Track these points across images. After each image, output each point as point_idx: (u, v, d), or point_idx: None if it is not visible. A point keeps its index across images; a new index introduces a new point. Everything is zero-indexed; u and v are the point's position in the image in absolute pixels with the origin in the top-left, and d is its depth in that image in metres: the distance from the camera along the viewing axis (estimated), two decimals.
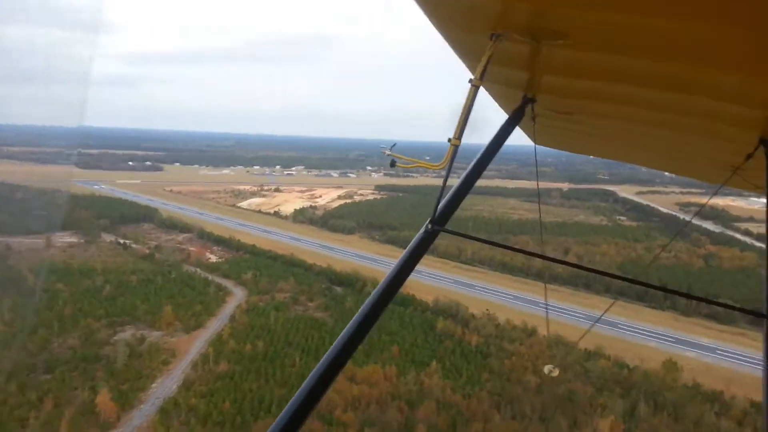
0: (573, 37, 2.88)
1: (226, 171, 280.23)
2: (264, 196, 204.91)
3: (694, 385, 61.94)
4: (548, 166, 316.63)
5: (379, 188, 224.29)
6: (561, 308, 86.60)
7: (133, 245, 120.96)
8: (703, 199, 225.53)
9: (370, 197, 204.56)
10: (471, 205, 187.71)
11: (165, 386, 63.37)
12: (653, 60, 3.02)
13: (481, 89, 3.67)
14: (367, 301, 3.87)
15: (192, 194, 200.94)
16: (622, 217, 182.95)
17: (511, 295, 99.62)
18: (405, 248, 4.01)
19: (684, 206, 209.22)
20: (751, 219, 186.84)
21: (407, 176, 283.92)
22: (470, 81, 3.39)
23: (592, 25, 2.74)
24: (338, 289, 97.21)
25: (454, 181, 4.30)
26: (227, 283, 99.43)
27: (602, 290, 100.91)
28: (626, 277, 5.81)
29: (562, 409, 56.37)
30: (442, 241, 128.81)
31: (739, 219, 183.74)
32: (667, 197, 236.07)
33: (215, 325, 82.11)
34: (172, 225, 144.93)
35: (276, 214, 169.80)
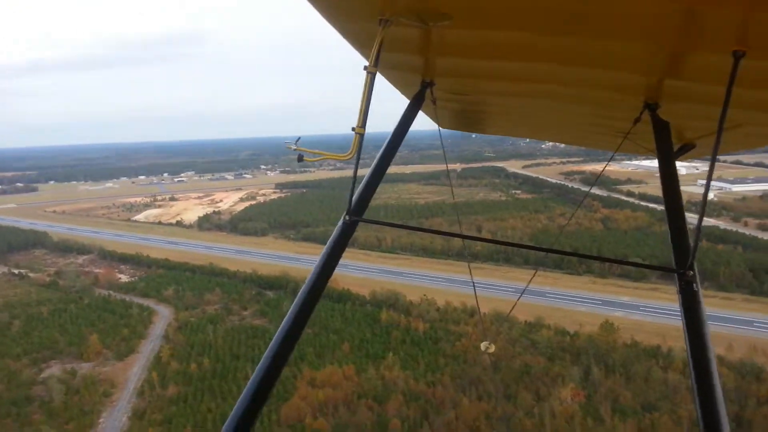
0: (458, 16, 2.95)
1: (109, 184, 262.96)
2: (160, 206, 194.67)
3: (633, 343, 66.75)
4: (438, 149, 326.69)
5: (280, 186, 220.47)
6: (489, 284, 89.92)
7: (30, 274, 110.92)
8: (582, 167, 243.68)
9: (274, 196, 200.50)
10: (376, 194, 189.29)
11: (114, 419, 59.11)
12: (537, 33, 3.12)
13: (380, 76, 3.78)
14: (297, 299, 3.84)
15: (79, 212, 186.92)
16: (517, 191, 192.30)
17: (440, 278, 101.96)
18: (321, 244, 4.12)
19: (567, 175, 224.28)
20: (629, 181, 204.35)
21: (305, 171, 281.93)
22: (365, 68, 3.40)
23: (474, 3, 2.82)
24: (269, 293, 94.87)
25: (364, 171, 4.33)
26: (148, 303, 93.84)
27: (522, 262, 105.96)
28: (561, 250, 5.92)
29: (523, 384, 58.81)
30: (361, 233, 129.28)
31: (619, 182, 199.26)
32: (551, 168, 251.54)
33: (148, 347, 77.41)
34: (67, 247, 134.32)
35: (179, 223, 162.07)
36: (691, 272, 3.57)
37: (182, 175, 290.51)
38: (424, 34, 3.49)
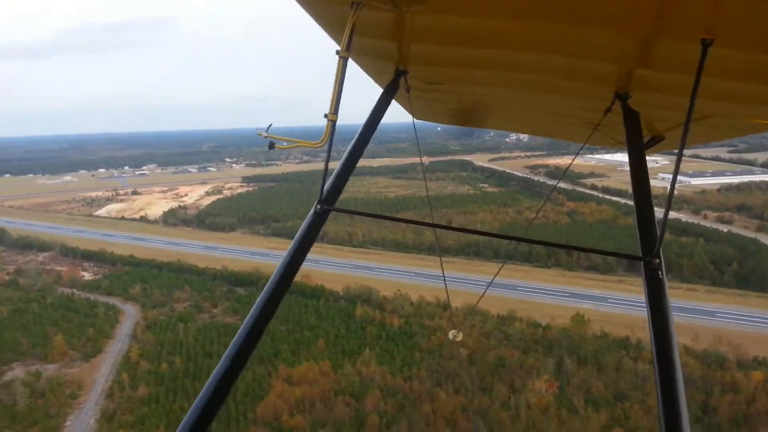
0: (430, 1, 2.94)
1: (67, 178, 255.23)
2: (122, 200, 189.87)
3: (602, 335, 68.18)
4: (403, 142, 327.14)
5: (247, 180, 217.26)
6: (460, 278, 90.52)
7: None
8: (546, 161, 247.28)
9: (240, 190, 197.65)
10: (345, 187, 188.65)
11: (81, 422, 57.63)
12: (509, 20, 3.16)
13: (354, 64, 3.76)
14: (265, 289, 3.79)
15: (37, 207, 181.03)
16: (484, 185, 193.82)
17: (412, 272, 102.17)
18: (290, 239, 4.17)
19: (532, 168, 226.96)
20: (592, 174, 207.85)
21: (272, 164, 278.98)
22: (337, 52, 3.36)
23: None
24: (240, 290, 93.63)
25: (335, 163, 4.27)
26: (114, 301, 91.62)
27: (492, 256, 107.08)
28: (530, 239, 6.27)
29: (498, 376, 59.46)
30: (332, 227, 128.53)
31: (582, 175, 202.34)
32: (515, 161, 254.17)
33: (115, 347, 75.64)
34: (27, 244, 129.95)
35: (143, 219, 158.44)
36: (657, 260, 3.57)
37: (144, 168, 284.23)
38: (397, 18, 3.47)
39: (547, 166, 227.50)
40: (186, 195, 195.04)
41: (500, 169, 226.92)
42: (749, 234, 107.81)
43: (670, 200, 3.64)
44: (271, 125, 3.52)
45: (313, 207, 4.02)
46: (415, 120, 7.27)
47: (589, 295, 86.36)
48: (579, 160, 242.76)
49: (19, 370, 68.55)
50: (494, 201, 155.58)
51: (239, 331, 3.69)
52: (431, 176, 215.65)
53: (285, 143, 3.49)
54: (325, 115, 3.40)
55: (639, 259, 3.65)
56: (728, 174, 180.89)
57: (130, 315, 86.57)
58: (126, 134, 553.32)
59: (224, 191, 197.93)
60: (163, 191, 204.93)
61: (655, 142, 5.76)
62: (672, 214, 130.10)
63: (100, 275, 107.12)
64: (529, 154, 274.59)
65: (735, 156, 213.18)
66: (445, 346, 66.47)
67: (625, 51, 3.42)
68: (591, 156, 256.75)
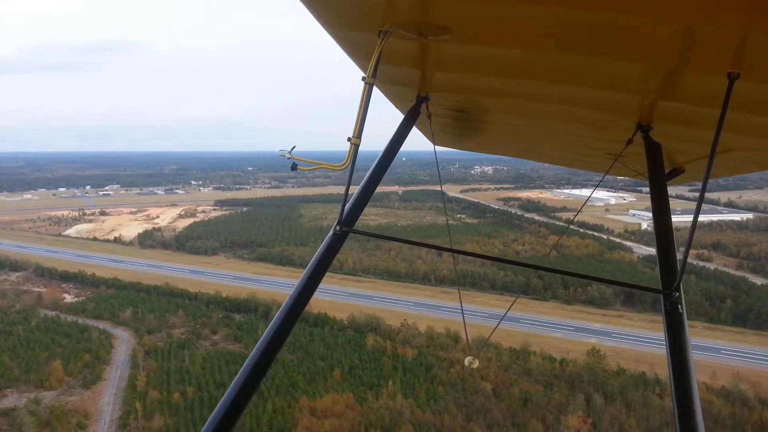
0: (457, 31, 2.98)
1: (27, 196, 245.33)
2: (91, 221, 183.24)
3: (619, 370, 68.26)
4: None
5: (220, 203, 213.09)
6: (458, 309, 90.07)
7: None
8: (516, 194, 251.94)
9: (215, 214, 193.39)
10: (324, 214, 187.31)
11: None
12: (534, 51, 3.18)
13: (376, 90, 3.84)
14: (282, 308, 3.87)
15: (0, 225, 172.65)
16: (462, 215, 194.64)
17: (408, 301, 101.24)
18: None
19: (505, 201, 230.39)
20: (564, 209, 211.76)
21: (241, 189, 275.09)
22: (363, 79, 3.44)
23: (474, 18, 2.87)
24: (237, 316, 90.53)
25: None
26: (102, 325, 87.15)
27: (488, 287, 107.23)
28: (555, 268, 6.46)
29: (529, 412, 58.62)
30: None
31: (555, 209, 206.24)
32: (486, 193, 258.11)
33: (115, 374, 71.66)
34: None
35: (117, 240, 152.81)
36: (677, 293, 3.57)
37: (107, 188, 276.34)
38: (422, 47, 3.53)
39: (518, 198, 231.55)
40: (158, 217, 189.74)
41: (474, 200, 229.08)
42: (735, 272, 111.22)
43: (692, 235, 3.56)
44: (294, 147, 3.48)
45: (332, 229, 4.05)
46: (435, 147, 7.28)
47: (593, 330, 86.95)
48: (549, 195, 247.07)
49: (13, 397, 64.06)
50: (478, 232, 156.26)
51: (254, 350, 3.71)
52: (407, 205, 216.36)
53: (308, 165, 3.51)
54: (349, 139, 3.44)
55: (659, 292, 3.63)
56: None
57: (123, 340, 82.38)
58: (84, 154, 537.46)
59: (198, 214, 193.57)
60: (132, 212, 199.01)
61: (676, 174, 5.75)
62: (653, 252, 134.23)
63: (83, 297, 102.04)
64: (498, 186, 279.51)
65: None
66: (467, 380, 65.49)
67: (649, 83, 3.42)
68: (560, 191, 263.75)
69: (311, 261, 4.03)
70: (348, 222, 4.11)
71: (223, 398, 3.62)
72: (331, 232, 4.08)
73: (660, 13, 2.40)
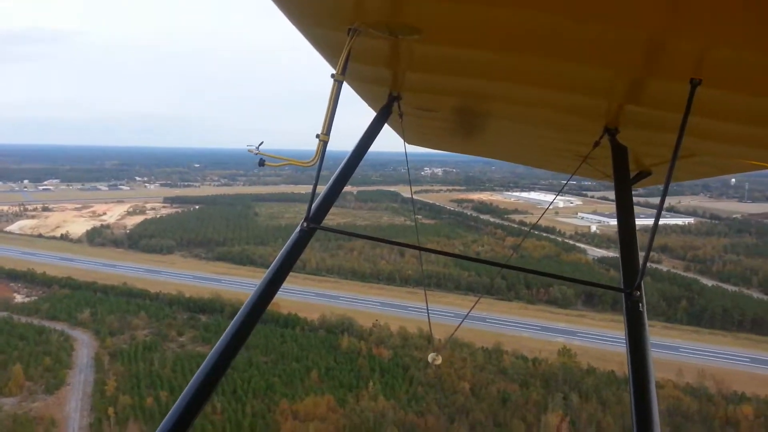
0: (426, 31, 3.04)
1: None
2: (33, 216, 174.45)
3: (590, 369, 70.19)
4: (324, 170, 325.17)
5: (170, 200, 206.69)
6: (424, 309, 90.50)
7: None
8: (468, 195, 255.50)
9: (165, 211, 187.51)
10: (281, 213, 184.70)
11: None
12: (504, 53, 3.25)
13: (348, 88, 4.05)
14: (247, 303, 3.94)
15: None
16: (418, 216, 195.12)
17: (377, 301, 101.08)
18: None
19: (459, 202, 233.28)
20: (516, 211, 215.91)
21: (189, 186, 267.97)
22: (332, 76, 3.52)
23: (443, 19, 2.93)
24: (202, 317, 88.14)
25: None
26: (60, 327, 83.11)
27: (453, 287, 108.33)
28: (521, 267, 6.92)
29: (510, 412, 59.49)
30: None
31: (507, 211, 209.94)
32: (439, 195, 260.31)
33: (78, 378, 68.52)
34: None
35: (64, 237, 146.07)
36: (638, 292, 3.74)
37: (46, 182, 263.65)
38: (392, 46, 3.55)
39: (471, 200, 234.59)
40: (104, 213, 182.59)
41: (431, 201, 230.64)
42: (686, 274, 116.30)
43: (653, 235, 3.72)
44: (262, 143, 3.53)
45: (300, 225, 4.12)
46: (406, 144, 7.35)
47: (558, 329, 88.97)
48: (499, 197, 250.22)
49: None
50: (437, 233, 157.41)
51: (216, 346, 3.74)
52: (363, 206, 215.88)
53: (276, 161, 3.53)
54: (317, 136, 3.49)
55: (620, 290, 3.81)
56: (642, 216, 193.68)
57: (83, 342, 78.86)
58: (18, 147, 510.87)
59: (147, 211, 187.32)
60: (76, 208, 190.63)
61: (642, 176, 6.00)
62: (605, 253, 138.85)
63: (34, 297, 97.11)
64: (449, 188, 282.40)
65: (641, 200, 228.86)
66: (447, 380, 65.94)
67: (615, 87, 3.56)
68: (509, 194, 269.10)
69: (277, 257, 4.04)
70: (315, 219, 4.14)
71: (182, 394, 3.58)
72: (298, 229, 4.10)
73: (626, 21, 2.46)
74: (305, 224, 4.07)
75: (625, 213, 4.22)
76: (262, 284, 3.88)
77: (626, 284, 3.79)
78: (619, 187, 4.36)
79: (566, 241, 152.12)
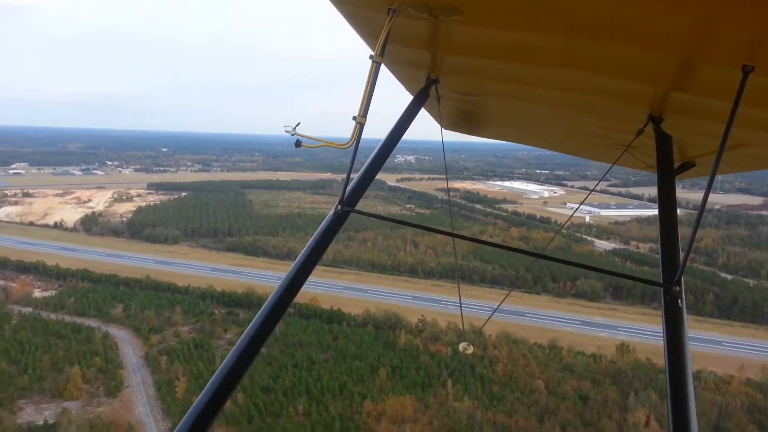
0: (468, 12, 2.96)
1: None
2: (16, 203, 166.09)
3: (650, 364, 70.97)
4: (299, 156, 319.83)
5: (154, 187, 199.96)
6: (450, 302, 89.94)
7: None
8: (451, 184, 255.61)
9: (152, 198, 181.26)
10: (275, 201, 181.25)
11: None
12: (547, 35, 3.14)
13: (386, 71, 3.98)
14: (280, 285, 3.90)
15: None
16: (411, 205, 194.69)
17: (408, 295, 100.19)
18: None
19: (445, 191, 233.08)
20: (505, 200, 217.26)
21: (165, 171, 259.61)
22: (371, 57, 3.45)
23: (484, 0, 2.90)
24: (240, 312, 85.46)
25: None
26: (94, 323, 79.23)
27: (478, 280, 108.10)
28: (554, 257, 5.85)
29: (595, 410, 59.65)
30: (301, 244, 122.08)
31: (497, 201, 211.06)
32: (422, 183, 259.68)
33: (135, 379, 65.57)
34: None
35: (58, 225, 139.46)
36: (677, 288, 3.65)
37: (14, 166, 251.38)
38: (432, 28, 3.53)
39: (457, 189, 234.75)
40: (89, 200, 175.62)
41: (420, 190, 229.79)
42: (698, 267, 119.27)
43: (695, 230, 3.59)
44: (299, 123, 3.53)
45: (334, 207, 4.08)
46: (442, 130, 7.16)
47: (598, 323, 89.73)
48: (483, 186, 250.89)
49: (31, 410, 56.96)
50: (441, 223, 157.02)
51: (248, 328, 3.73)
52: (368, 194, 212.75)
53: (313, 142, 3.54)
54: (354, 118, 3.47)
55: (660, 285, 3.70)
56: (630, 207, 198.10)
57: (124, 340, 75.47)
58: None
59: (134, 198, 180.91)
60: (59, 194, 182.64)
61: (686, 168, 5.73)
62: (606, 244, 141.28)
63: (52, 291, 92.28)
64: (431, 176, 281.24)
65: (624, 190, 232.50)
66: (520, 378, 65.87)
67: (662, 72, 3.42)
68: (492, 182, 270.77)
69: (310, 240, 3.98)
70: (350, 202, 4.08)
71: (213, 376, 3.56)
72: (332, 211, 4.04)
73: (677, 1, 2.35)
74: (339, 207, 4.02)
75: (667, 206, 4.05)
76: (295, 267, 3.84)
77: (666, 279, 3.66)
78: (662, 179, 4.19)
79: (569, 232, 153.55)
